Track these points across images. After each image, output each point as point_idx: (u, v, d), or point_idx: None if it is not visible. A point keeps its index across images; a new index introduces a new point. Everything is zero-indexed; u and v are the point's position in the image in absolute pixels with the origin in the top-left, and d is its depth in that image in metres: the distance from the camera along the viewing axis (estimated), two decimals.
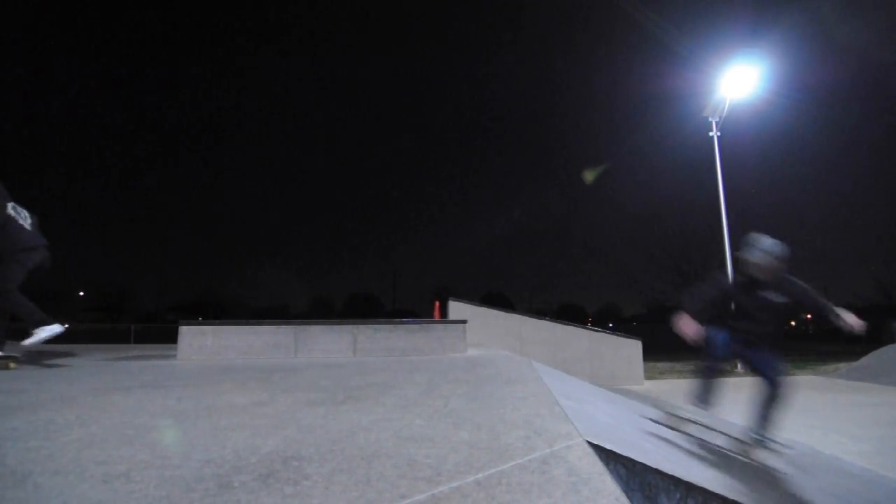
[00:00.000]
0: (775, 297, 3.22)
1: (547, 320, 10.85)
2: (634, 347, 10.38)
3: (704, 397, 3.36)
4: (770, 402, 3.22)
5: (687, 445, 2.79)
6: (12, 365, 4.06)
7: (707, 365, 3.37)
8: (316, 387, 3.05)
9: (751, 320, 3.28)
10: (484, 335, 9.55)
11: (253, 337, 5.96)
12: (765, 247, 3.20)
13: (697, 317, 3.29)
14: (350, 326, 6.06)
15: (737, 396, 7.70)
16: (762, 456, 3.13)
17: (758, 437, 3.21)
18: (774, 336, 3.31)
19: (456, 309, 10.20)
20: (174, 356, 5.87)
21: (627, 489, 1.36)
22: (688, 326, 3.24)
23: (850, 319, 3.08)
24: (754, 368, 3.35)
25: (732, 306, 3.40)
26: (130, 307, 63.42)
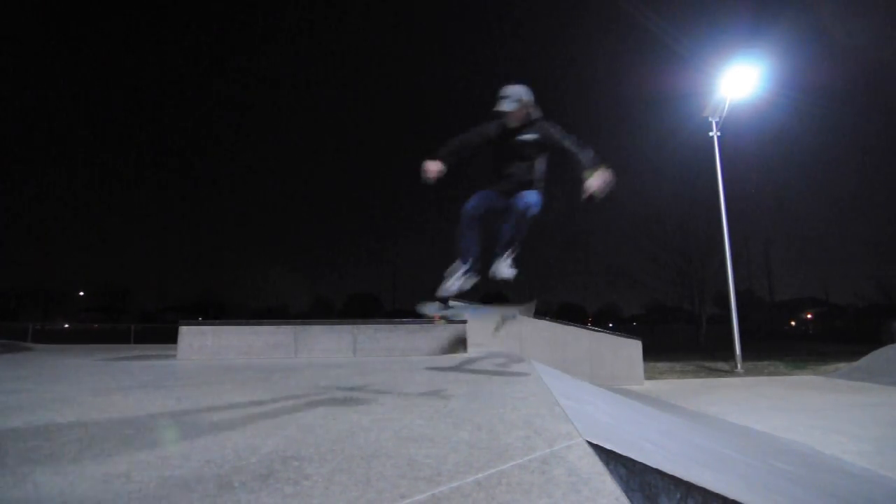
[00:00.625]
0: (530, 136, 3.27)
1: (547, 320, 10.84)
2: (634, 347, 10.37)
3: (468, 258, 3.28)
4: (511, 229, 3.20)
5: (687, 445, 2.79)
6: None
7: (470, 211, 3.27)
8: (316, 387, 3.05)
9: (512, 169, 3.29)
10: (484, 335, 9.55)
11: (253, 337, 5.96)
12: (512, 93, 3.25)
13: (446, 157, 3.30)
14: (350, 326, 6.06)
15: (735, 396, 7.66)
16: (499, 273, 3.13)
17: (499, 270, 3.22)
18: (534, 181, 3.30)
19: None
20: (174, 356, 5.87)
21: (627, 489, 1.36)
22: (431, 165, 3.25)
23: (596, 181, 3.06)
24: (510, 207, 3.23)
25: (494, 162, 3.37)
26: (130, 307, 63.47)
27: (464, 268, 3.31)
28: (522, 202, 3.15)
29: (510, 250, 3.28)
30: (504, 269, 3.26)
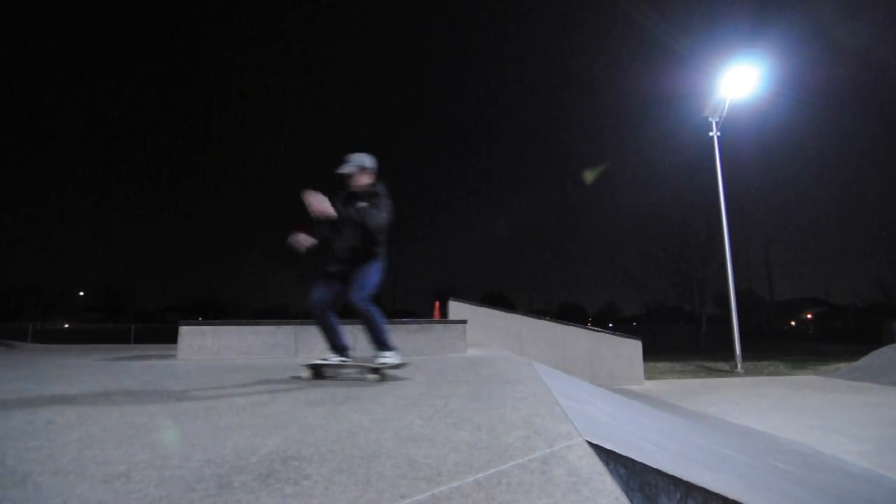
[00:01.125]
0: (363, 205, 3.42)
1: (547, 320, 10.84)
2: (634, 347, 10.37)
3: (335, 344, 3.52)
4: (370, 328, 3.38)
5: (687, 445, 2.79)
6: None
7: (315, 311, 3.46)
8: (316, 387, 3.05)
9: (348, 233, 3.43)
10: (484, 335, 9.55)
11: (253, 337, 5.96)
12: (354, 159, 3.43)
13: (318, 235, 3.53)
14: (350, 326, 6.04)
15: (735, 396, 7.66)
16: (385, 370, 3.32)
17: (379, 359, 3.39)
18: (369, 248, 3.43)
19: (456, 309, 10.19)
20: (174, 356, 5.87)
21: (627, 489, 1.36)
22: (303, 238, 3.52)
23: (313, 199, 3.29)
24: (348, 295, 3.40)
25: (332, 225, 3.53)
26: (130, 307, 63.48)
27: (339, 354, 3.53)
28: (356, 297, 3.32)
29: (381, 343, 3.42)
30: (387, 360, 3.39)
